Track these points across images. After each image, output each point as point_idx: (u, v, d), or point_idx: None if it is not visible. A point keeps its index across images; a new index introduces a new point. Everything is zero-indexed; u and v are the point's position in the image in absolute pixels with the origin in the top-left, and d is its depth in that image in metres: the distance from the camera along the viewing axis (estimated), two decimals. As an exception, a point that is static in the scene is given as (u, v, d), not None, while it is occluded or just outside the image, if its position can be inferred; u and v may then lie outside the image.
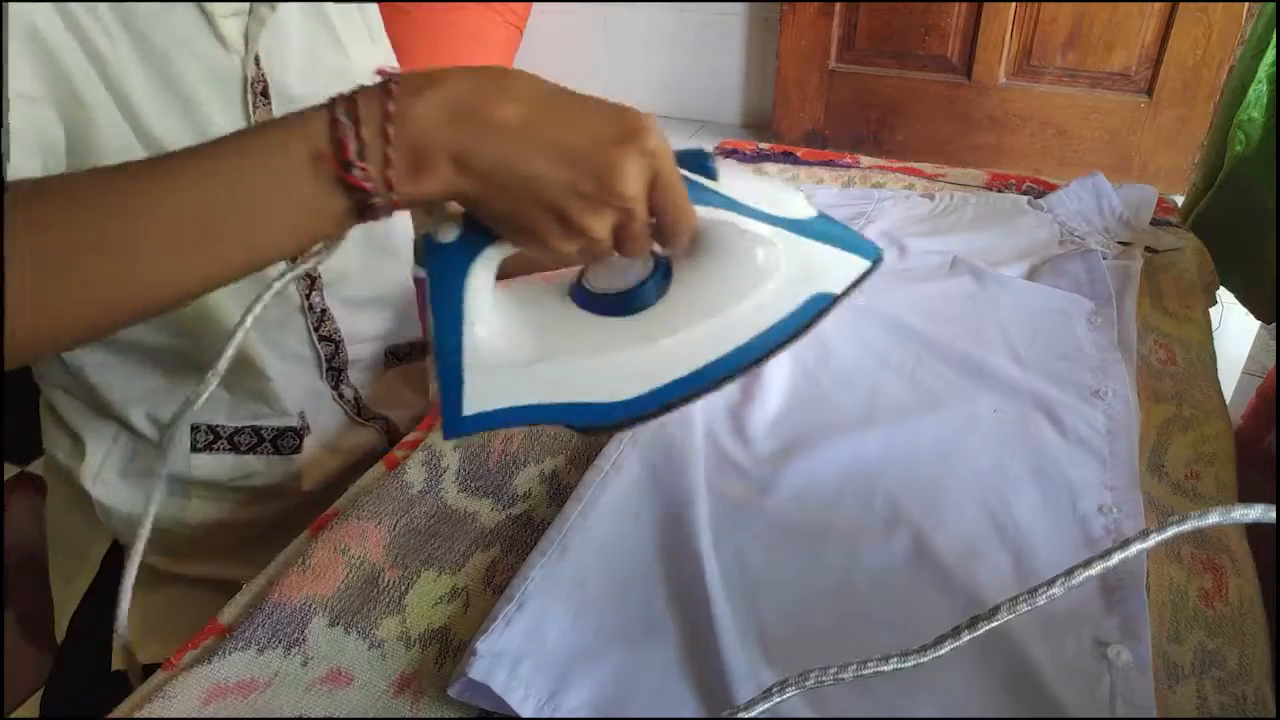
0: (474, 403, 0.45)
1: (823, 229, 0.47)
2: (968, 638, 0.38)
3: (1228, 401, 0.74)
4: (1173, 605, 0.54)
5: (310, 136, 0.39)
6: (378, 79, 0.40)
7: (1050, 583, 0.37)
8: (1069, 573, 0.37)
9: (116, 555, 0.75)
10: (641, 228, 0.42)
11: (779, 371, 0.71)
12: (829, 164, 1.12)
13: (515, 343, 0.45)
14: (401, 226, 0.80)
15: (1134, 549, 0.36)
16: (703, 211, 0.44)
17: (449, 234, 0.42)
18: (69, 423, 0.70)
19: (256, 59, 0.63)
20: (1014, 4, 2.04)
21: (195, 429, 0.70)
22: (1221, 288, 0.98)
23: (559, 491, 0.63)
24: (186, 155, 0.40)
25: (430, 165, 0.39)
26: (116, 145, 0.57)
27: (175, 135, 0.59)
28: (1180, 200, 1.11)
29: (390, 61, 0.78)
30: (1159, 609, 0.54)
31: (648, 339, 0.46)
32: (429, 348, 0.86)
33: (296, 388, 0.72)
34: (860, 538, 0.58)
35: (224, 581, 0.68)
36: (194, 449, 0.70)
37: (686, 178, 0.43)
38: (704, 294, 0.47)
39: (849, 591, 0.54)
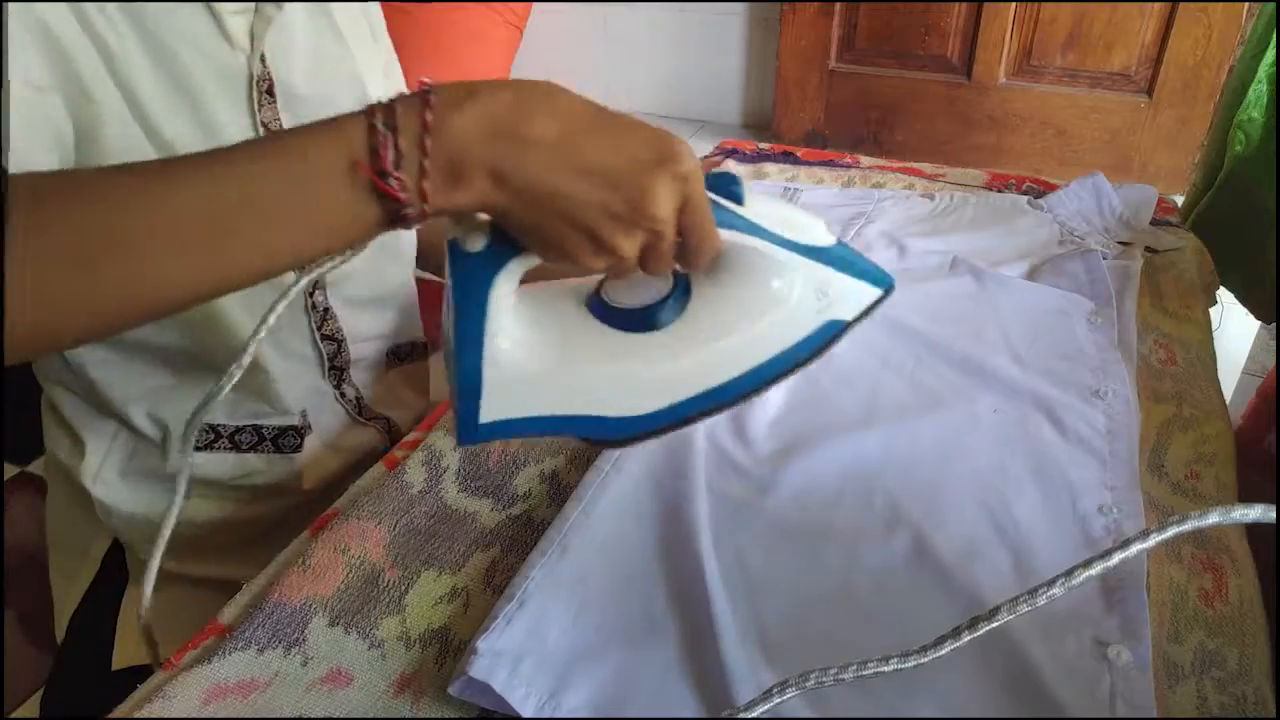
0: (491, 411, 0.45)
1: (840, 256, 0.48)
2: (968, 638, 0.38)
3: (1228, 401, 0.74)
4: (1173, 605, 0.54)
5: (346, 143, 0.39)
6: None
7: (1051, 583, 0.37)
8: (1069, 573, 0.37)
9: (117, 554, 0.75)
10: (668, 248, 0.42)
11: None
12: (829, 164, 1.12)
13: (534, 353, 0.45)
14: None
15: (1134, 549, 0.36)
16: (726, 235, 0.44)
17: (476, 243, 0.42)
18: (69, 421, 0.70)
19: (262, 57, 0.63)
20: (1014, 4, 2.04)
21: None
22: (1221, 288, 0.98)
23: (559, 491, 0.63)
24: (208, 156, 0.40)
25: (466, 178, 0.39)
26: (123, 141, 0.57)
27: (181, 131, 0.60)
28: (1180, 200, 1.11)
29: (392, 62, 0.78)
30: (1159, 609, 0.54)
31: (664, 356, 0.46)
32: (430, 348, 0.87)
33: (298, 386, 0.73)
34: (860, 538, 0.58)
35: (224, 581, 0.68)
36: (195, 447, 0.70)
37: (712, 200, 0.43)
38: (722, 314, 0.47)
39: (849, 591, 0.54)
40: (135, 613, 0.73)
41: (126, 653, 0.72)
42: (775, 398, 0.69)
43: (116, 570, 0.75)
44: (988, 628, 0.37)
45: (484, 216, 0.42)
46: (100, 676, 0.71)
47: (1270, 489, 0.83)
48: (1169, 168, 2.06)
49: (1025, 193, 1.03)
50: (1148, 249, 0.91)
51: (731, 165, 1.12)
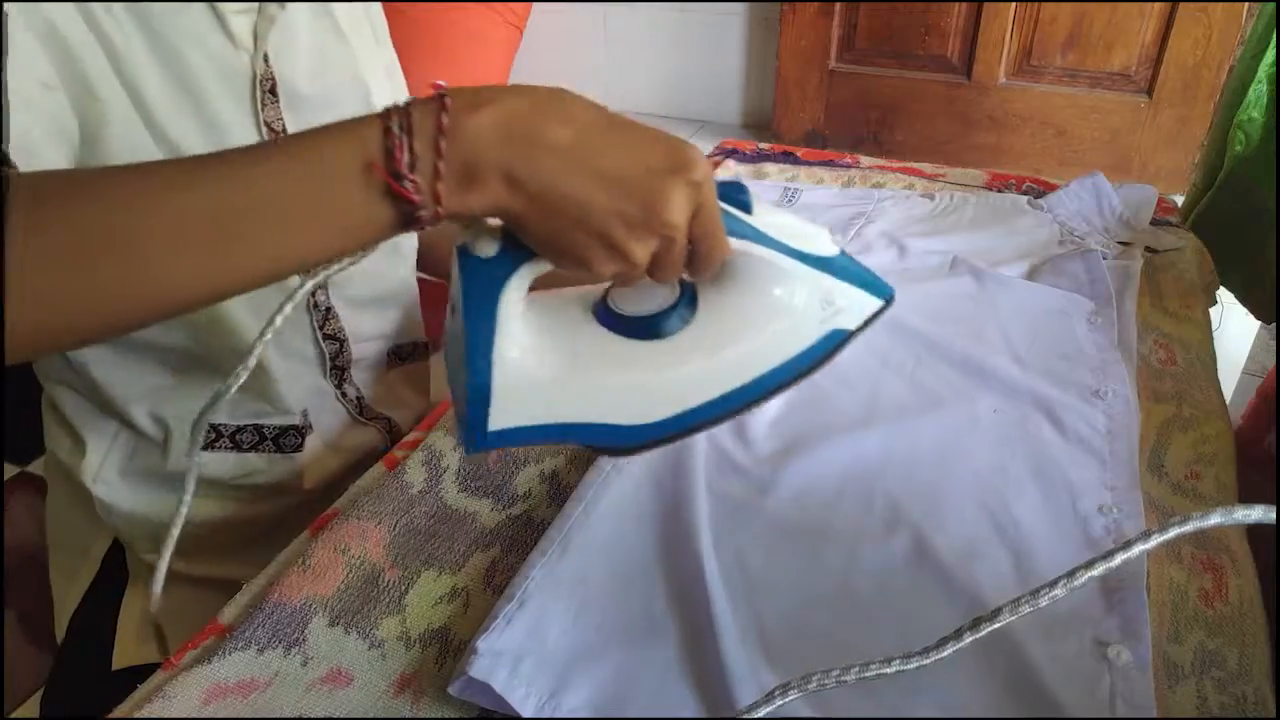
0: (500, 418, 0.44)
1: (844, 267, 0.48)
2: (970, 639, 0.38)
3: (1228, 401, 0.74)
4: (1173, 605, 0.54)
5: (362, 145, 0.39)
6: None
7: (1053, 584, 0.37)
8: (1071, 574, 0.37)
9: (117, 554, 0.75)
10: (679, 254, 0.43)
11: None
12: (829, 164, 1.12)
13: (543, 360, 0.45)
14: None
15: (1136, 549, 0.36)
16: (734, 243, 0.45)
17: (488, 249, 0.42)
18: (70, 420, 0.70)
19: (266, 57, 0.63)
20: (1014, 4, 2.04)
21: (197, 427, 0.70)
22: (1221, 288, 0.98)
23: (559, 491, 0.63)
24: (220, 157, 0.40)
25: (480, 181, 0.39)
26: (127, 139, 0.57)
27: (185, 130, 0.60)
28: (1180, 200, 1.11)
29: (394, 63, 0.78)
30: (1159, 609, 0.54)
31: (672, 363, 0.47)
32: (431, 348, 0.87)
33: (300, 386, 0.73)
34: (860, 537, 0.58)
35: (224, 581, 0.68)
36: (196, 447, 0.70)
37: (721, 209, 0.44)
38: (730, 322, 0.47)
39: (849, 591, 0.54)
40: (135, 612, 0.74)
41: (126, 653, 0.72)
42: (775, 398, 0.69)
43: (116, 570, 0.75)
44: (990, 628, 0.37)
45: (494, 222, 0.42)
46: (100, 676, 0.71)
47: (1270, 489, 0.83)
48: (1169, 168, 2.06)
49: (1025, 193, 1.03)
50: (1148, 249, 0.91)
51: (731, 165, 1.12)
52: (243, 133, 0.63)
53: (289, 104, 0.66)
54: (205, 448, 0.71)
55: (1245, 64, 1.00)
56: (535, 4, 2.38)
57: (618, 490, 0.60)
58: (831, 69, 2.26)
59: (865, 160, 1.13)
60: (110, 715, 0.49)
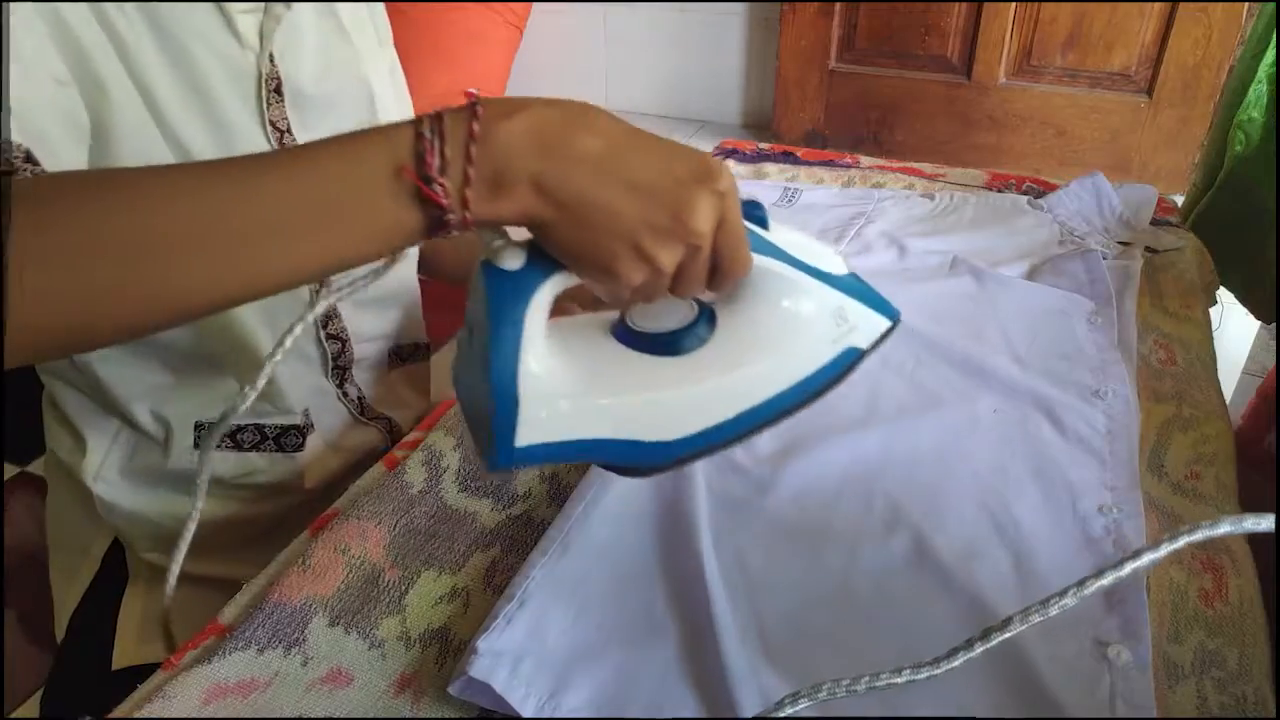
0: (526, 434, 0.44)
1: (854, 286, 0.49)
2: (981, 649, 0.37)
3: (1228, 401, 0.74)
4: (1173, 605, 0.54)
5: (393, 149, 0.39)
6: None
7: (1063, 593, 0.37)
8: (1081, 583, 0.37)
9: (117, 553, 0.75)
10: (703, 265, 0.43)
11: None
12: (829, 164, 1.12)
13: (566, 375, 0.45)
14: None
15: (1146, 559, 0.36)
16: (755, 258, 0.45)
17: (514, 262, 0.42)
18: (71, 419, 0.70)
19: (271, 56, 0.64)
20: (1014, 4, 2.04)
21: (199, 426, 0.70)
22: (1221, 288, 0.98)
23: (559, 491, 0.63)
24: (251, 160, 0.40)
25: (509, 188, 0.39)
26: (136, 135, 0.58)
27: (192, 128, 0.60)
28: (1180, 200, 1.11)
29: (396, 64, 0.78)
30: (1159, 609, 0.54)
31: (695, 378, 0.47)
32: (432, 349, 0.87)
33: (301, 386, 0.73)
34: (860, 538, 0.58)
35: (224, 581, 0.68)
36: (197, 446, 0.70)
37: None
38: (750, 338, 0.48)
39: (849, 591, 0.54)
40: (135, 612, 0.74)
41: (126, 652, 0.72)
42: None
43: (116, 569, 0.75)
44: (1001, 638, 0.37)
45: (516, 235, 0.43)
46: (100, 676, 0.71)
47: (1270, 489, 0.83)
48: (1169, 168, 2.06)
49: (1025, 193, 1.03)
50: (1148, 249, 0.91)
51: (731, 165, 1.12)
52: (248, 131, 0.63)
53: (294, 103, 0.66)
54: (206, 447, 0.71)
55: (1245, 64, 1.00)
56: (535, 4, 2.38)
57: (618, 490, 0.60)
58: (831, 69, 2.26)
59: (865, 160, 1.13)
60: (110, 715, 0.49)
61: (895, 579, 0.55)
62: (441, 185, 0.39)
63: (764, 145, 1.16)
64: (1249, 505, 0.63)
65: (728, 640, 0.49)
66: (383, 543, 0.58)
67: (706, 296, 0.48)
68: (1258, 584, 0.56)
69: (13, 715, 1.09)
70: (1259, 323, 1.18)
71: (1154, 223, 0.96)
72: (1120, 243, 0.92)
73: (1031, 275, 0.87)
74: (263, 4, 0.62)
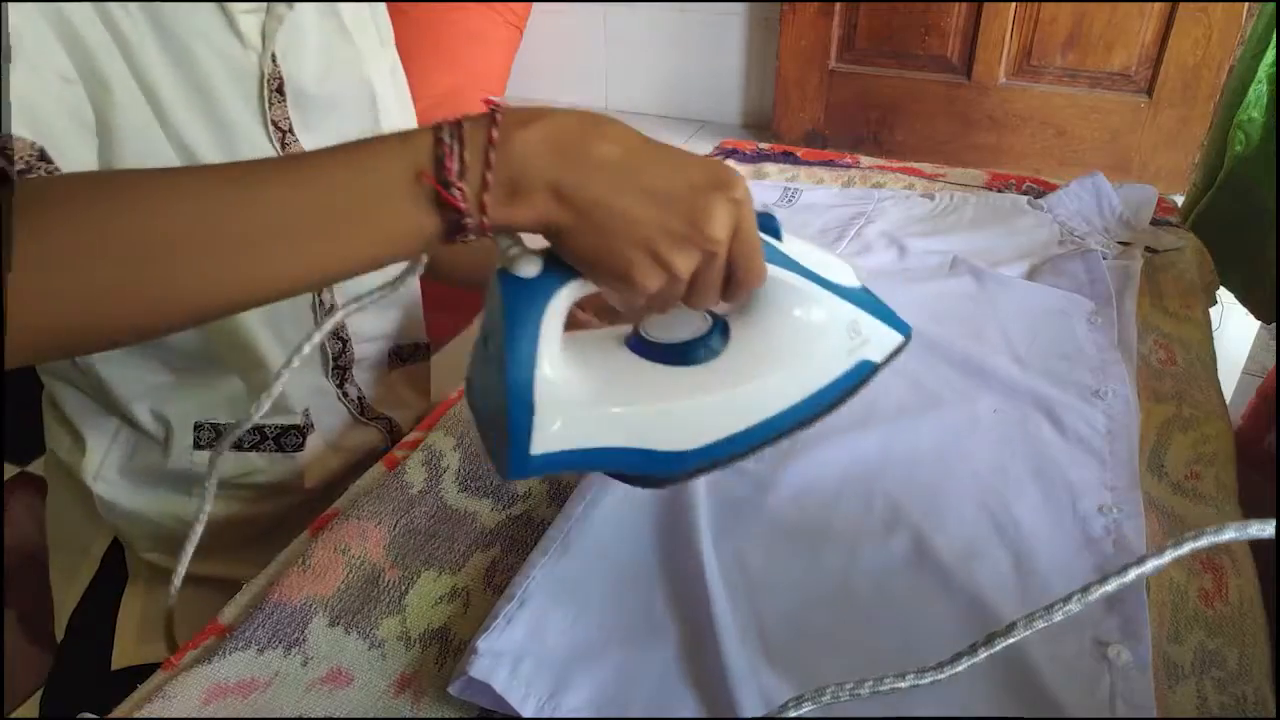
0: (542, 442, 0.44)
1: (866, 300, 0.49)
2: (985, 654, 0.37)
3: (1228, 401, 0.74)
4: (1173, 605, 0.54)
5: (413, 154, 0.39)
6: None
7: (1066, 599, 0.37)
8: (1085, 589, 0.37)
9: (116, 553, 0.75)
10: (719, 273, 0.43)
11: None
12: (829, 164, 1.12)
13: (582, 384, 0.45)
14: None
15: (1150, 565, 0.36)
16: (769, 269, 0.45)
17: (530, 269, 0.42)
18: (71, 418, 0.70)
19: (273, 56, 0.64)
20: (1014, 4, 2.04)
21: (199, 426, 0.70)
22: (1221, 288, 0.98)
23: (559, 491, 0.63)
24: (270, 164, 0.40)
25: (527, 194, 0.40)
26: (139, 134, 0.58)
27: (195, 127, 0.61)
28: (1180, 200, 1.11)
29: (397, 64, 0.78)
30: (1159, 609, 0.54)
31: (710, 388, 0.47)
32: (432, 349, 0.87)
33: (302, 385, 0.73)
34: (860, 537, 0.58)
35: (224, 581, 0.68)
36: (196, 446, 0.70)
37: None
38: (764, 348, 0.48)
39: (849, 591, 0.54)
40: (135, 612, 0.74)
41: (126, 652, 0.72)
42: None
43: (116, 569, 0.75)
44: (1005, 643, 0.37)
45: (532, 244, 0.43)
46: (100, 676, 0.71)
47: (1270, 489, 0.83)
48: (1169, 168, 2.06)
49: (1025, 193, 1.03)
50: (1148, 249, 0.91)
51: (731, 165, 1.12)
52: (250, 131, 0.64)
53: (295, 103, 0.66)
54: (206, 447, 0.71)
55: (1245, 64, 1.00)
56: (535, 4, 2.38)
57: (618, 490, 0.60)
58: (831, 69, 2.26)
59: (865, 160, 1.13)
60: (110, 715, 0.49)
61: (895, 579, 0.55)
62: (460, 190, 0.39)
63: (764, 145, 1.16)
64: (1249, 505, 0.63)
65: (728, 640, 0.49)
66: (383, 543, 0.58)
67: (720, 308, 0.47)
68: (1258, 584, 0.56)
69: (13, 715, 1.09)
70: (1259, 323, 1.18)
71: (1154, 223, 0.96)
72: (1120, 243, 0.92)
73: (1031, 275, 0.87)
74: (265, 4, 0.63)
